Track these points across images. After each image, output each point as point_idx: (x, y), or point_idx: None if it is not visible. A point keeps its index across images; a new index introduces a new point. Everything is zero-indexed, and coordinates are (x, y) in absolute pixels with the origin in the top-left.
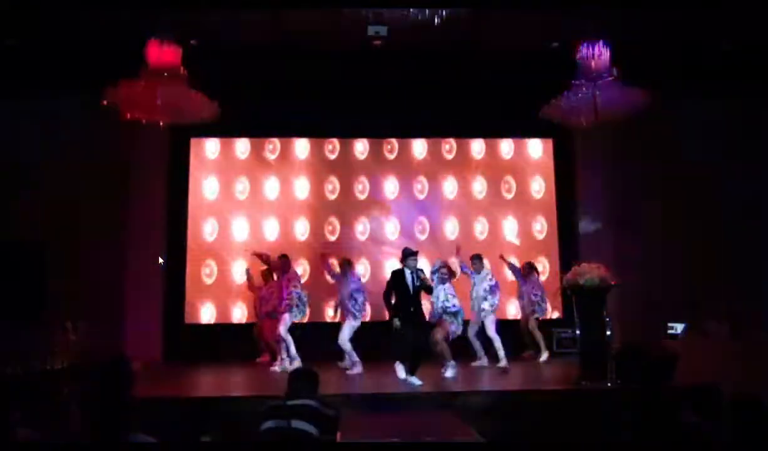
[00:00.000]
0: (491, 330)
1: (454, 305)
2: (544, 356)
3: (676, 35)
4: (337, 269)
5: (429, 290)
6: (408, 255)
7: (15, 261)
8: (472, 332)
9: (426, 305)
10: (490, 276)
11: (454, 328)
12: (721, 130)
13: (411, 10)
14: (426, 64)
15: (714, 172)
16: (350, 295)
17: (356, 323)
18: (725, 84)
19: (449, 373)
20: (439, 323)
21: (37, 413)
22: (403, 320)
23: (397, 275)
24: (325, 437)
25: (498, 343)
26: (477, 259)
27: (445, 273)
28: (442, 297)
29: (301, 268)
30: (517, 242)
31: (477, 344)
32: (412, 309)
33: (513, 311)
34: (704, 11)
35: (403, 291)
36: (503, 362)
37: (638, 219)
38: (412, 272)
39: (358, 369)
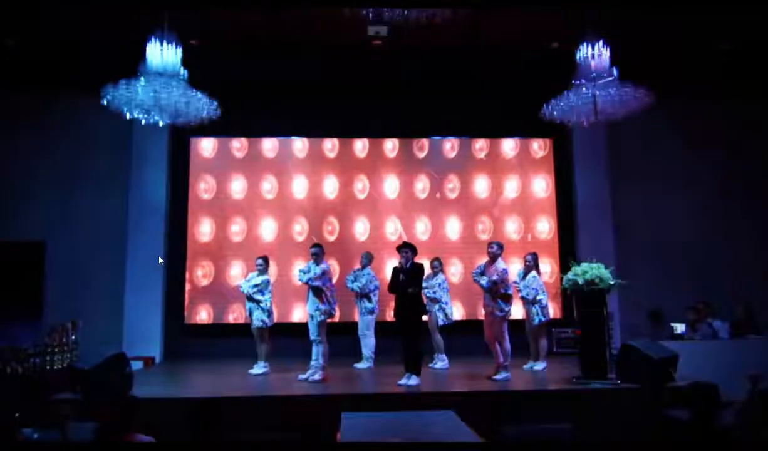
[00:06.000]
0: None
1: (434, 292)
2: (540, 365)
3: (675, 36)
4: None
5: (408, 283)
6: (397, 250)
7: (15, 261)
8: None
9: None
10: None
11: (438, 315)
12: (720, 131)
13: (411, 9)
14: (426, 63)
15: (713, 171)
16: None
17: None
18: (725, 84)
19: (437, 365)
20: (430, 315)
21: (37, 413)
22: (395, 315)
23: (393, 270)
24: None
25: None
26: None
27: (437, 266)
28: (434, 287)
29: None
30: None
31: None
32: (399, 302)
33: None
34: (703, 12)
35: (393, 286)
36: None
37: (637, 218)
38: (403, 267)
39: (368, 364)
